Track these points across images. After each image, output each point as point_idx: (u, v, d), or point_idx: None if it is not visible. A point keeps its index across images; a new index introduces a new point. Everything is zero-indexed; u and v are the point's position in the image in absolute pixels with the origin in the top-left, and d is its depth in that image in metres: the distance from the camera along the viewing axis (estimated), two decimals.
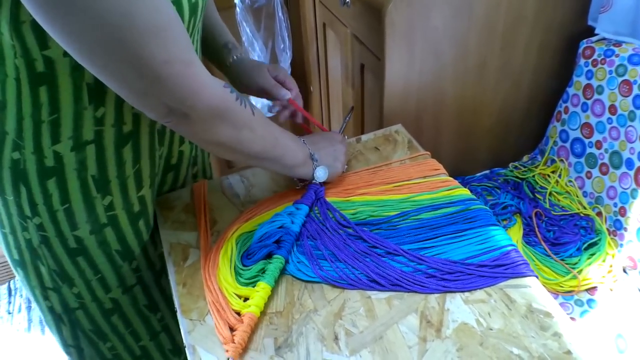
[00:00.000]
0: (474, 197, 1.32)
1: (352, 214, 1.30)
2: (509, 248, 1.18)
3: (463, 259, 1.16)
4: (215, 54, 1.56)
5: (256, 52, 2.66)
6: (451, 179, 1.38)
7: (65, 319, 1.40)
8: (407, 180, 1.38)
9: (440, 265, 1.15)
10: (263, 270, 1.16)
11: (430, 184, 1.37)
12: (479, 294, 1.10)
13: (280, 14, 2.67)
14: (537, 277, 1.14)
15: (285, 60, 2.76)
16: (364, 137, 1.55)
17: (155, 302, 1.50)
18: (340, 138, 1.44)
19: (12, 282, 3.01)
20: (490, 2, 1.73)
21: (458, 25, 1.73)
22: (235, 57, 1.54)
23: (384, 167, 1.44)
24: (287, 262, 1.19)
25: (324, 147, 1.37)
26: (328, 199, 1.35)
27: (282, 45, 2.74)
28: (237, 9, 2.58)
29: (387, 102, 1.77)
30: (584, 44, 1.88)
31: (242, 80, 1.54)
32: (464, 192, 1.33)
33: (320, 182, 1.36)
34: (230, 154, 1.18)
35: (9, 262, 1.33)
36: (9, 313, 2.85)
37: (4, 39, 0.99)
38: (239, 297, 1.12)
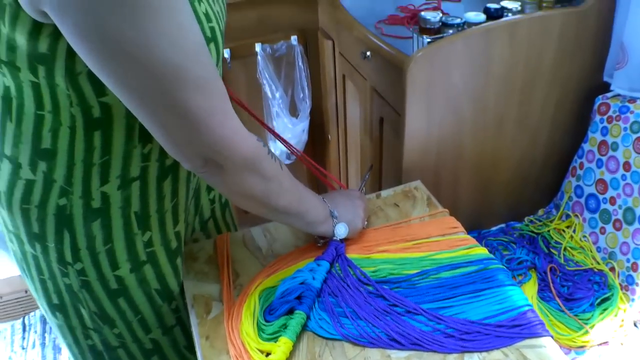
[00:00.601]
0: (491, 256, 1.34)
1: (373, 272, 1.32)
2: (526, 308, 1.19)
3: (481, 319, 1.18)
4: None
5: (277, 100, 2.70)
6: (469, 237, 1.40)
7: (106, 357, 1.41)
8: (427, 238, 1.40)
9: (458, 325, 1.17)
10: (285, 326, 1.18)
11: (449, 242, 1.39)
12: (496, 354, 1.12)
13: (300, 63, 2.70)
14: (552, 336, 1.16)
15: (305, 109, 2.78)
16: (383, 193, 1.58)
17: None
18: (358, 194, 1.47)
19: (26, 317, 3.02)
20: (509, 59, 1.76)
21: (477, 82, 1.76)
22: None
23: (404, 224, 1.46)
24: (308, 318, 1.21)
25: (342, 203, 1.39)
26: (348, 256, 1.36)
27: (301, 95, 2.77)
28: (259, 57, 2.62)
29: (407, 157, 1.80)
30: (599, 100, 1.91)
31: None
32: (482, 251, 1.35)
33: (340, 239, 1.37)
34: (258, 206, 1.21)
35: (46, 307, 1.34)
36: (23, 348, 2.87)
37: (59, 90, 1.02)
38: (261, 352, 1.14)
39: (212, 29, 1.09)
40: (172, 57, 0.90)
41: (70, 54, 0.95)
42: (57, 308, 1.33)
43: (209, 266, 1.40)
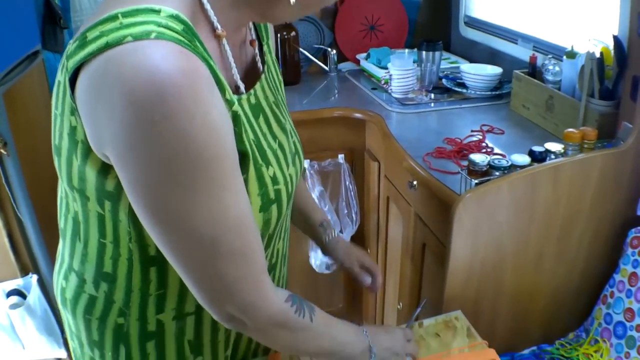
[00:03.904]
0: None
1: None
2: None
3: None
4: (309, 230, 1.80)
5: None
6: None
7: None
8: None
9: None
10: None
11: None
12: None
13: (347, 181, 2.78)
14: None
15: (351, 226, 2.86)
16: (425, 322, 1.62)
17: None
18: (401, 333, 1.48)
19: None
20: (551, 199, 1.82)
21: (520, 221, 1.81)
22: (329, 237, 1.79)
23: (445, 354, 1.50)
24: None
25: (384, 341, 1.40)
26: None
27: (345, 211, 2.84)
28: (307, 172, 2.73)
29: (449, 287, 1.83)
30: (632, 233, 1.94)
31: (333, 256, 1.81)
32: None
33: None
34: (287, 351, 1.30)
35: None
36: None
37: (122, 225, 1.09)
38: None
39: (277, 191, 1.17)
40: (208, 230, 0.98)
41: None
42: None
43: None
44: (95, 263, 1.17)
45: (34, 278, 2.55)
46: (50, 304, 2.64)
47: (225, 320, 1.11)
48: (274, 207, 1.18)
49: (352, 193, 2.84)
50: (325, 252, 1.79)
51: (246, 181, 1.08)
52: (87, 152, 1.00)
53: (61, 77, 1.00)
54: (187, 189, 0.94)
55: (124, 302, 1.20)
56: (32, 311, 2.55)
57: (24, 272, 2.58)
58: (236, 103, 1.05)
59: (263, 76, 1.28)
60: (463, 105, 2.85)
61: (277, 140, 1.23)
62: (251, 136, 1.13)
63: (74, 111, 0.98)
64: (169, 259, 1.04)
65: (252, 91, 1.20)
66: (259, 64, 1.31)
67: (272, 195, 1.16)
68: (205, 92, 0.93)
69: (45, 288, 2.63)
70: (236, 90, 1.15)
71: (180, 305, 1.23)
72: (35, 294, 2.55)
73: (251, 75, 1.28)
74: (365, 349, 1.35)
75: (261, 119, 1.21)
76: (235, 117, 1.04)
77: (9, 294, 2.53)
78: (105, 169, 1.02)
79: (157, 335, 1.25)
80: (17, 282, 2.56)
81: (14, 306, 2.53)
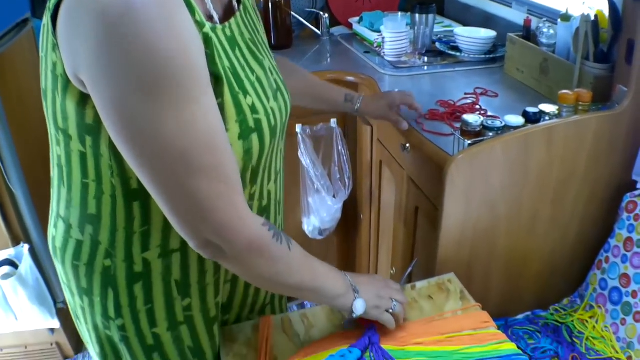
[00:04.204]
0: (520, 352, 1.37)
1: None
2: None
3: None
4: (340, 108, 2.04)
5: (317, 178, 2.75)
6: (499, 332, 1.44)
7: None
8: (459, 332, 1.44)
9: None
10: None
11: (480, 337, 1.42)
12: None
13: (339, 146, 2.76)
14: None
15: (344, 191, 2.83)
16: (418, 284, 1.62)
17: None
18: (381, 277, 1.49)
19: None
20: (545, 161, 1.81)
21: (514, 183, 1.80)
22: (358, 104, 2.03)
23: (437, 317, 1.50)
24: None
25: (366, 283, 1.40)
26: (383, 346, 1.40)
27: (338, 176, 2.82)
28: (299, 137, 2.70)
29: (442, 249, 1.83)
30: (627, 197, 1.93)
31: (370, 116, 2.19)
32: (511, 346, 1.39)
33: (357, 316, 1.35)
34: (268, 285, 1.28)
35: (93, 353, 1.42)
36: None
37: (103, 160, 1.11)
38: None
39: (257, 121, 1.17)
40: (177, 143, 0.98)
41: None
42: (101, 356, 1.40)
43: (247, 348, 1.44)
44: (79, 206, 1.20)
45: (25, 248, 2.54)
46: (42, 273, 2.63)
47: (203, 246, 1.11)
48: (255, 137, 1.18)
49: (344, 157, 2.80)
50: (362, 117, 2.00)
51: (222, 106, 1.10)
52: (66, 85, 1.04)
53: (45, 20, 1.04)
54: (155, 100, 0.95)
55: (109, 243, 1.22)
56: (24, 281, 2.55)
57: (16, 241, 2.59)
58: (207, 26, 1.06)
59: (239, 14, 1.29)
60: (457, 69, 2.82)
61: (254, 74, 1.23)
62: (226, 63, 1.14)
63: (55, 47, 1.02)
64: (144, 183, 1.05)
65: (227, 24, 1.21)
66: (235, 2, 1.31)
67: (251, 123, 1.16)
68: (174, 8, 0.95)
69: (37, 258, 2.63)
70: (210, 20, 1.16)
71: (165, 241, 1.24)
72: (27, 264, 2.54)
73: (229, 14, 1.28)
74: (348, 288, 1.34)
75: (237, 52, 1.21)
76: (207, 40, 1.06)
77: (0, 264, 2.53)
78: (83, 100, 1.05)
79: (144, 276, 1.27)
80: (8, 252, 2.56)
81: (5, 276, 2.53)
